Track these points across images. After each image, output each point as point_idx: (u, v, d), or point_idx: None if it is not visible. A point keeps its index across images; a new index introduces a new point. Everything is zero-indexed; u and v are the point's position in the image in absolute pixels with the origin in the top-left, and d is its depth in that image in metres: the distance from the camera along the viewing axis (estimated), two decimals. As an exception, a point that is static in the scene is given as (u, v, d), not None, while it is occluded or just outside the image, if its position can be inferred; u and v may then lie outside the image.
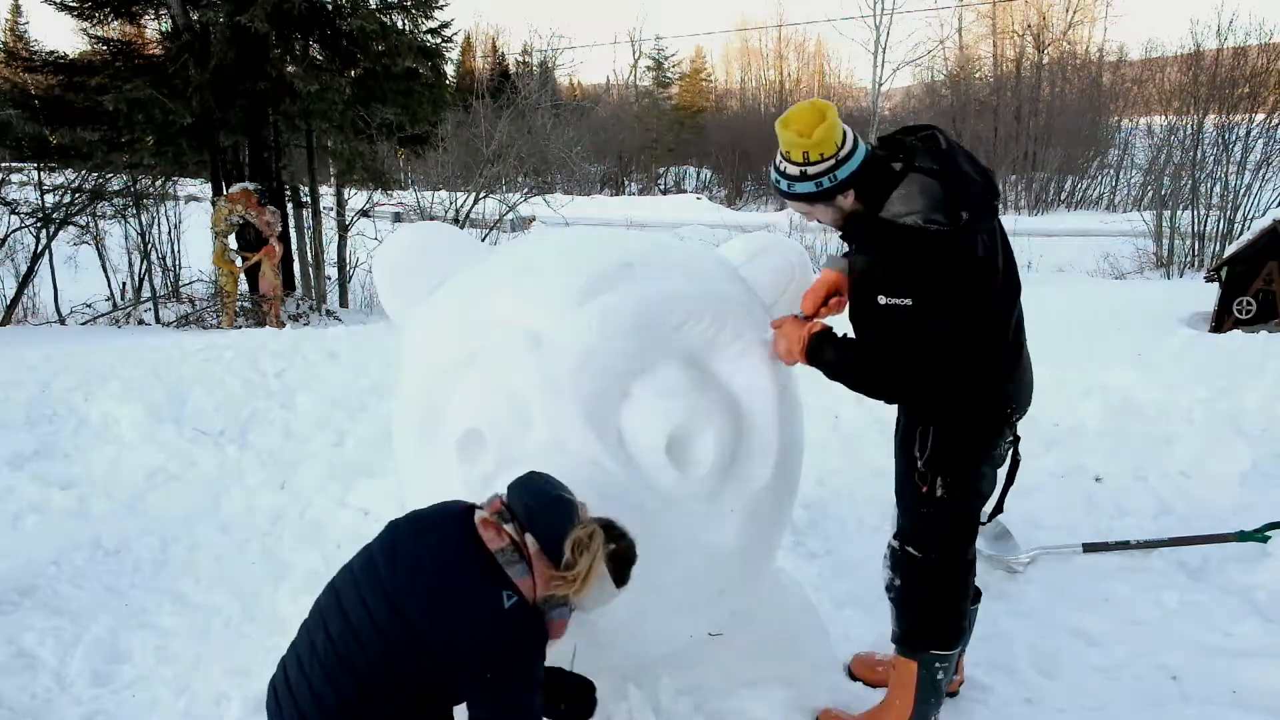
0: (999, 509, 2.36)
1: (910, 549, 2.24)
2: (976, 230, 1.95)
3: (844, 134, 1.98)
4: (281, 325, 11.01)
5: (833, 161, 1.97)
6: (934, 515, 2.19)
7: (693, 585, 2.27)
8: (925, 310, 1.92)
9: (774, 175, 2.07)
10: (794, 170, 2.00)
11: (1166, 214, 20.96)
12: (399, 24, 13.28)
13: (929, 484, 2.16)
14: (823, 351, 2.12)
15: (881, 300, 1.95)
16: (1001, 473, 2.31)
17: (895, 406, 2.29)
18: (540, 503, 1.79)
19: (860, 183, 2.00)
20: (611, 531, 1.82)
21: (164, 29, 12.90)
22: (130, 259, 14.61)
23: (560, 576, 1.74)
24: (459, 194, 17.63)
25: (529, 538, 1.75)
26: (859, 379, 2.11)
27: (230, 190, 12.08)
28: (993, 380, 2.09)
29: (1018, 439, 2.27)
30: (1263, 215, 14.42)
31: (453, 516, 1.82)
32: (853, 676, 2.62)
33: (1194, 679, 2.65)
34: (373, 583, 1.75)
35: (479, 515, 1.80)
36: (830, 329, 2.16)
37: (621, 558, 1.82)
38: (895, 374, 2.04)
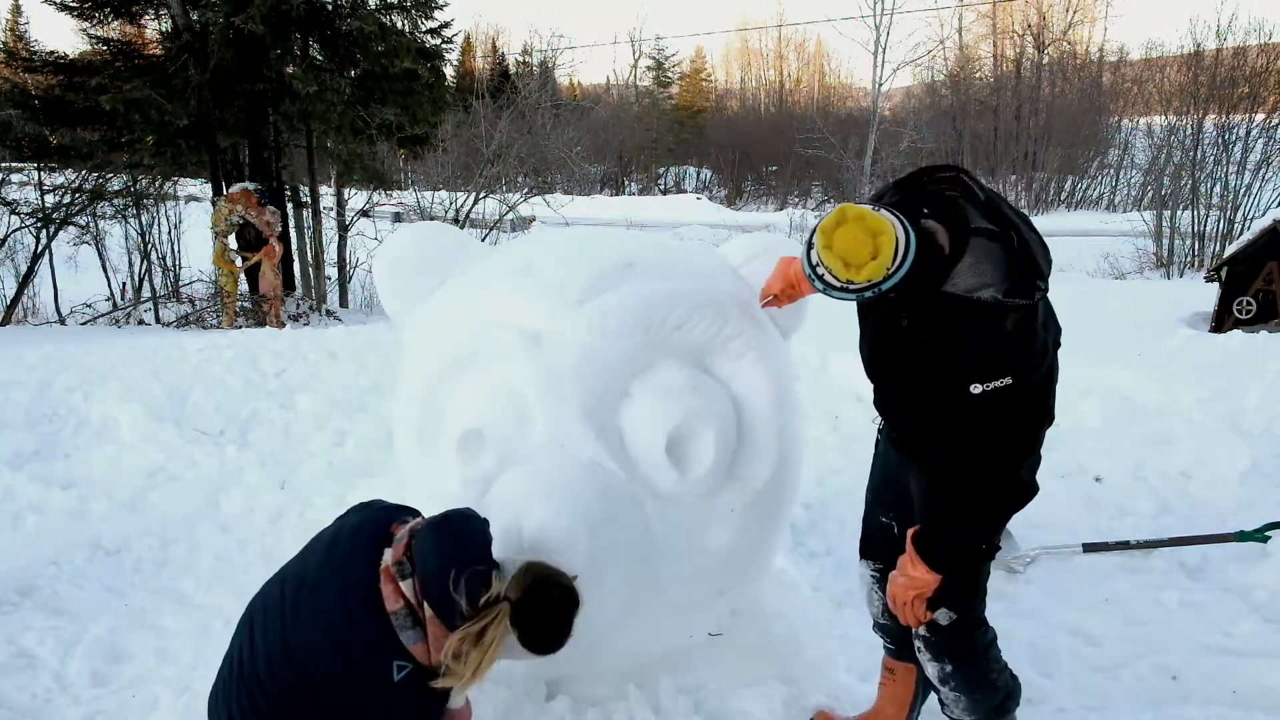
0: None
1: (941, 615, 2.00)
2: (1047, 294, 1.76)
3: (898, 246, 1.67)
4: (281, 325, 11.01)
5: (881, 278, 1.69)
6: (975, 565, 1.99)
7: (693, 585, 2.27)
8: (1026, 388, 1.73)
9: (808, 265, 1.76)
10: (833, 280, 1.72)
11: (1166, 214, 20.96)
12: (398, 24, 13.28)
13: None
14: (944, 547, 1.88)
15: (976, 390, 1.71)
16: None
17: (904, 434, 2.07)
18: (438, 567, 1.63)
19: (912, 269, 1.71)
20: (536, 593, 1.68)
21: (164, 29, 12.90)
22: (130, 259, 14.60)
23: (458, 645, 1.60)
24: (459, 194, 17.64)
25: (426, 606, 1.64)
26: (990, 508, 1.84)
27: (230, 190, 12.08)
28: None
29: None
30: (1263, 215, 14.42)
31: (364, 554, 1.71)
32: None
33: (1194, 679, 2.65)
34: (276, 625, 1.70)
35: (385, 560, 1.68)
36: (922, 532, 1.91)
37: (541, 619, 1.68)
38: (1015, 465, 1.79)
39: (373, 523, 1.80)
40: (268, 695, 1.65)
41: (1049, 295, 1.80)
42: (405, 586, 1.65)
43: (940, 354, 1.77)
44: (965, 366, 1.72)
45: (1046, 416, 1.83)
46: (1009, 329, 1.71)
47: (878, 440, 2.30)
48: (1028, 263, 1.73)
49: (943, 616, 2.00)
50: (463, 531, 1.72)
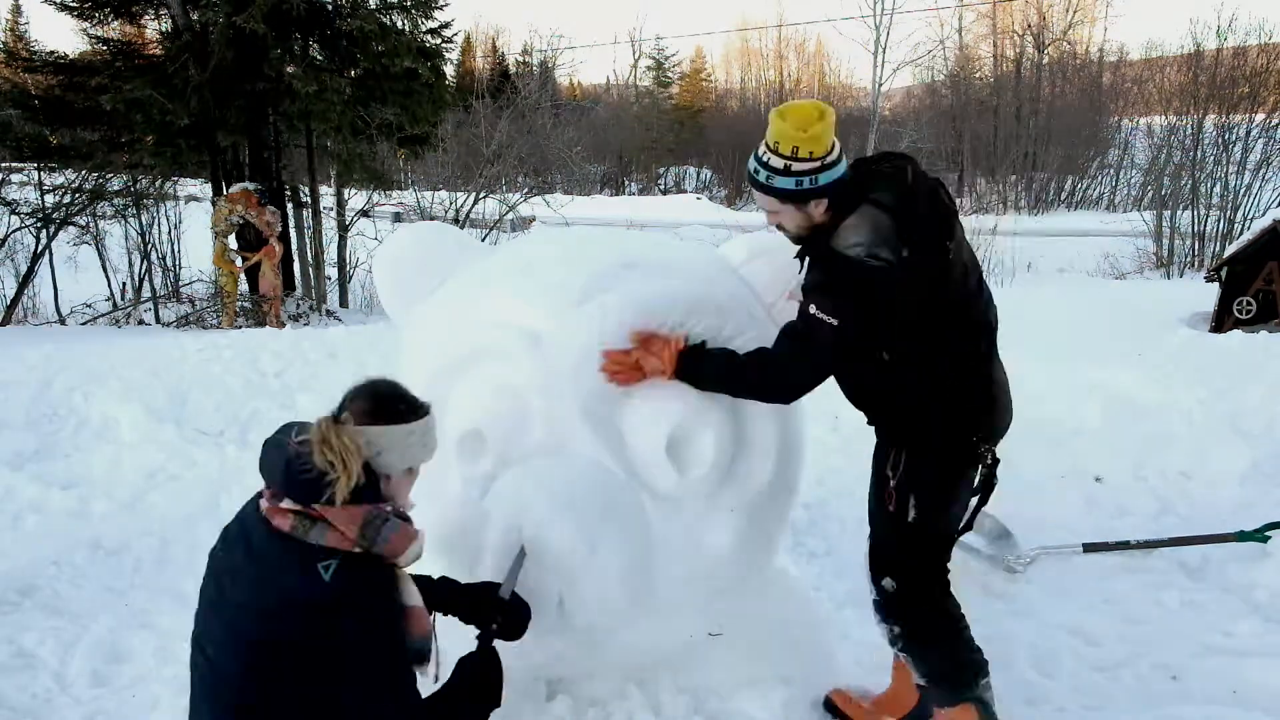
0: (968, 526, 2.29)
1: (886, 582, 2.20)
2: (920, 268, 1.92)
3: (834, 143, 1.96)
4: (281, 325, 11.00)
5: (819, 164, 1.94)
6: (909, 545, 2.17)
7: (693, 585, 2.27)
8: (844, 334, 1.93)
9: (753, 165, 2.02)
10: (778, 163, 1.95)
11: (1166, 214, 20.97)
12: (399, 24, 13.28)
13: (898, 504, 2.14)
14: (699, 364, 2.11)
15: (811, 310, 1.95)
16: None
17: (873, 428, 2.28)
18: (282, 469, 1.68)
19: (834, 196, 1.98)
20: (353, 400, 1.76)
21: (164, 29, 12.90)
22: (130, 259, 14.61)
23: (337, 490, 1.64)
24: (459, 194, 17.64)
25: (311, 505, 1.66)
26: (746, 379, 2.10)
27: (230, 190, 12.08)
28: (956, 410, 2.08)
29: (996, 462, 2.23)
30: (1263, 215, 14.41)
31: (246, 520, 1.74)
32: (831, 708, 2.49)
33: (1194, 679, 2.65)
34: (216, 620, 1.68)
35: (263, 508, 1.71)
36: (701, 344, 2.16)
37: (361, 410, 1.74)
38: (795, 373, 2.05)
39: (244, 508, 1.82)
40: (233, 688, 1.62)
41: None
42: (286, 504, 1.67)
43: (808, 286, 1.99)
44: (816, 293, 1.95)
45: (858, 370, 2.09)
46: (857, 283, 1.91)
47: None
48: (902, 231, 1.91)
49: (887, 583, 2.19)
50: (278, 434, 1.76)
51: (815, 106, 1.95)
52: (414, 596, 1.78)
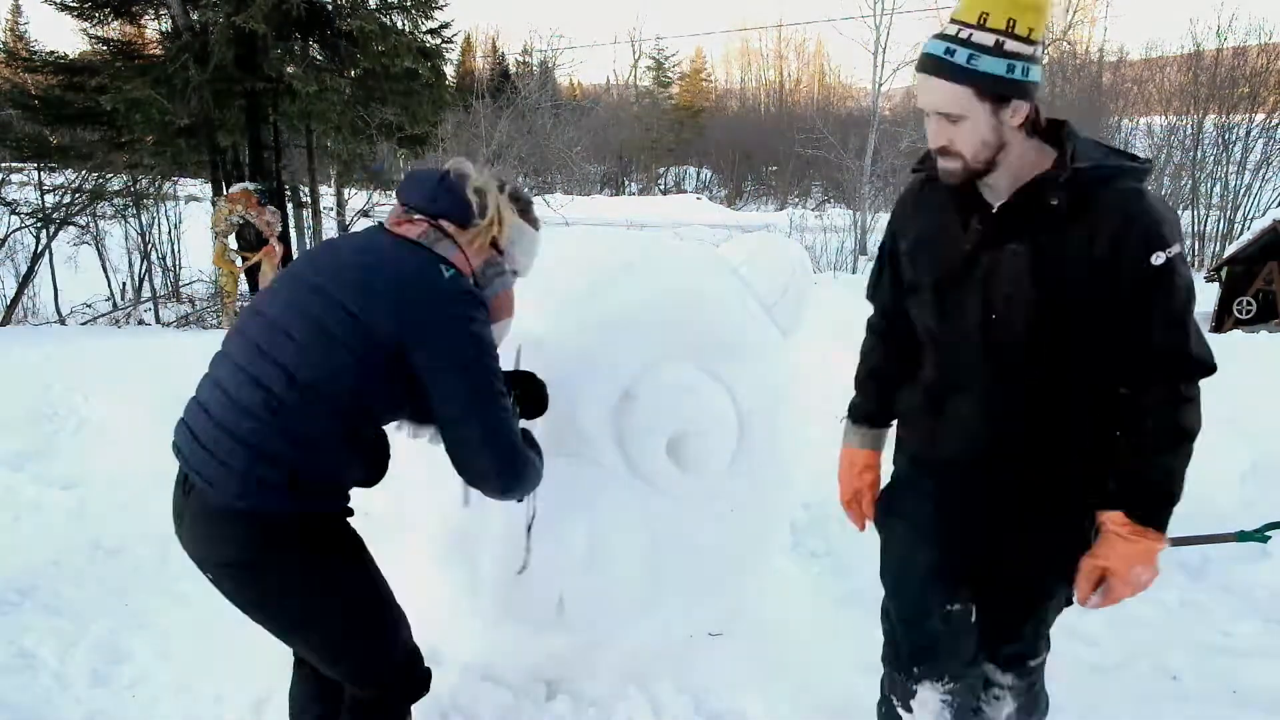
0: None
1: (1034, 661, 1.84)
2: None
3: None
4: (281, 325, 10.98)
5: (1035, 49, 1.46)
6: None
7: (692, 584, 2.27)
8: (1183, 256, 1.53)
9: (940, 46, 1.48)
10: (986, 39, 1.44)
11: (1166, 214, 20.96)
12: (399, 24, 13.27)
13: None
14: (1170, 486, 1.67)
15: (1159, 259, 1.46)
16: None
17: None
18: (431, 185, 1.76)
19: (1034, 111, 1.51)
20: (511, 193, 1.84)
21: (164, 29, 12.89)
22: (130, 259, 14.60)
23: (479, 229, 1.74)
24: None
25: (442, 221, 1.73)
26: (1192, 428, 1.61)
27: (230, 190, 12.07)
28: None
29: None
30: (1263, 215, 14.43)
31: (368, 234, 1.79)
32: None
33: (1194, 679, 2.65)
34: (318, 299, 1.65)
35: (388, 224, 1.78)
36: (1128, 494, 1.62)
37: (522, 199, 1.87)
38: (1201, 339, 1.56)
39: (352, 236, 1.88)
40: (335, 350, 1.59)
41: None
42: (419, 217, 1.74)
43: (1093, 251, 1.48)
44: (1138, 238, 1.46)
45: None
46: (1156, 195, 1.54)
47: (894, 510, 1.88)
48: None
49: (1036, 660, 1.81)
50: (425, 169, 1.83)
51: None
52: (501, 286, 1.83)
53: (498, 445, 1.66)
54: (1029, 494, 1.67)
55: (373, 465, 1.76)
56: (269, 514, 1.61)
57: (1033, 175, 1.54)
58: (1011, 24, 1.43)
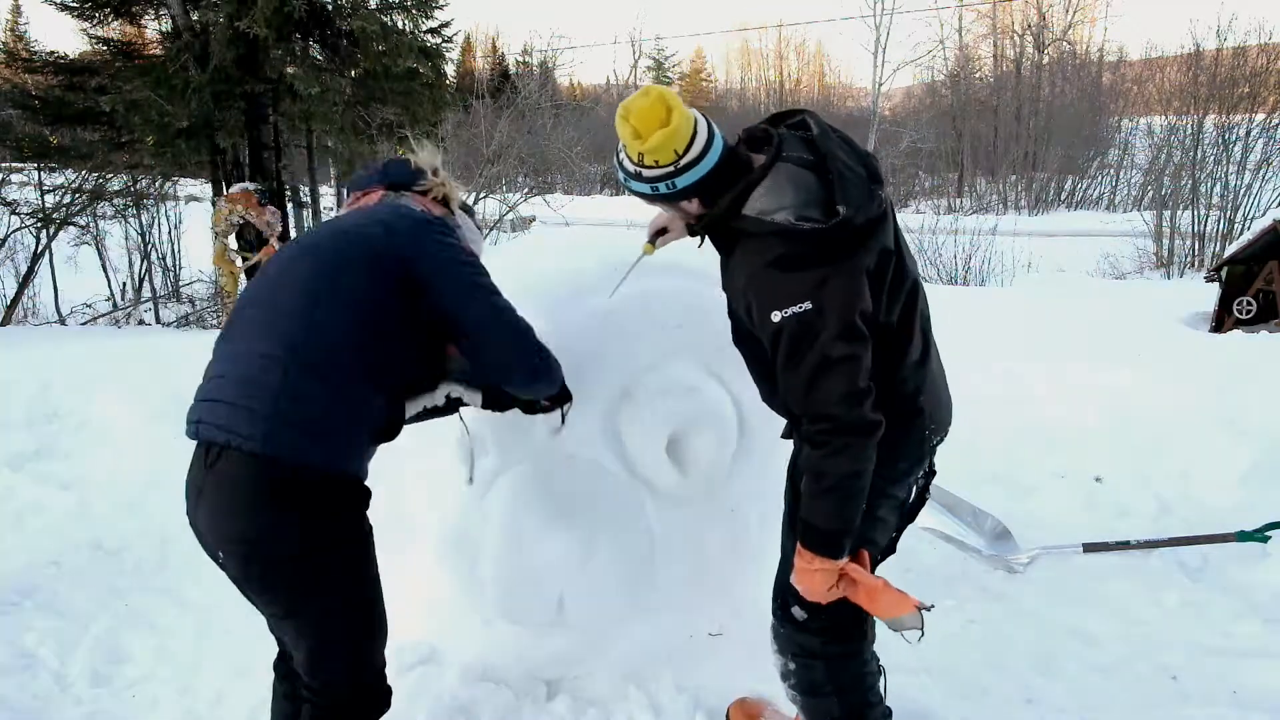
0: (891, 549, 1.99)
1: (794, 611, 1.89)
2: (857, 228, 1.64)
3: (693, 135, 1.68)
4: (281, 325, 10.98)
5: (670, 169, 1.69)
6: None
7: (693, 584, 2.27)
8: (831, 316, 1.61)
9: (615, 160, 1.82)
10: (630, 167, 1.74)
11: (1166, 214, 20.96)
12: (399, 24, 13.28)
13: None
14: (813, 513, 1.71)
15: (776, 317, 1.62)
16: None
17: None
18: (378, 167, 1.99)
19: (708, 188, 1.72)
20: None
21: (164, 29, 12.89)
22: (130, 259, 14.60)
23: (427, 185, 1.96)
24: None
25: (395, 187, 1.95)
26: (830, 469, 1.67)
27: (230, 190, 12.07)
28: (904, 398, 1.78)
29: (932, 474, 1.96)
30: (1263, 215, 14.41)
31: (331, 220, 1.95)
32: None
33: (1194, 679, 2.65)
34: (310, 260, 1.78)
35: (345, 208, 1.98)
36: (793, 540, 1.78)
37: (465, 204, 2.16)
38: (829, 399, 1.64)
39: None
40: (354, 294, 1.71)
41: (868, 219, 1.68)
42: (370, 191, 1.96)
43: (740, 287, 1.73)
44: (764, 294, 1.65)
45: (857, 342, 1.64)
46: (804, 252, 1.63)
47: None
48: (832, 186, 1.67)
49: (797, 611, 1.89)
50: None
51: (659, 104, 1.68)
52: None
53: (518, 331, 1.81)
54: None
55: (391, 413, 1.80)
56: (290, 467, 1.62)
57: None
58: (640, 158, 1.71)
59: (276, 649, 1.93)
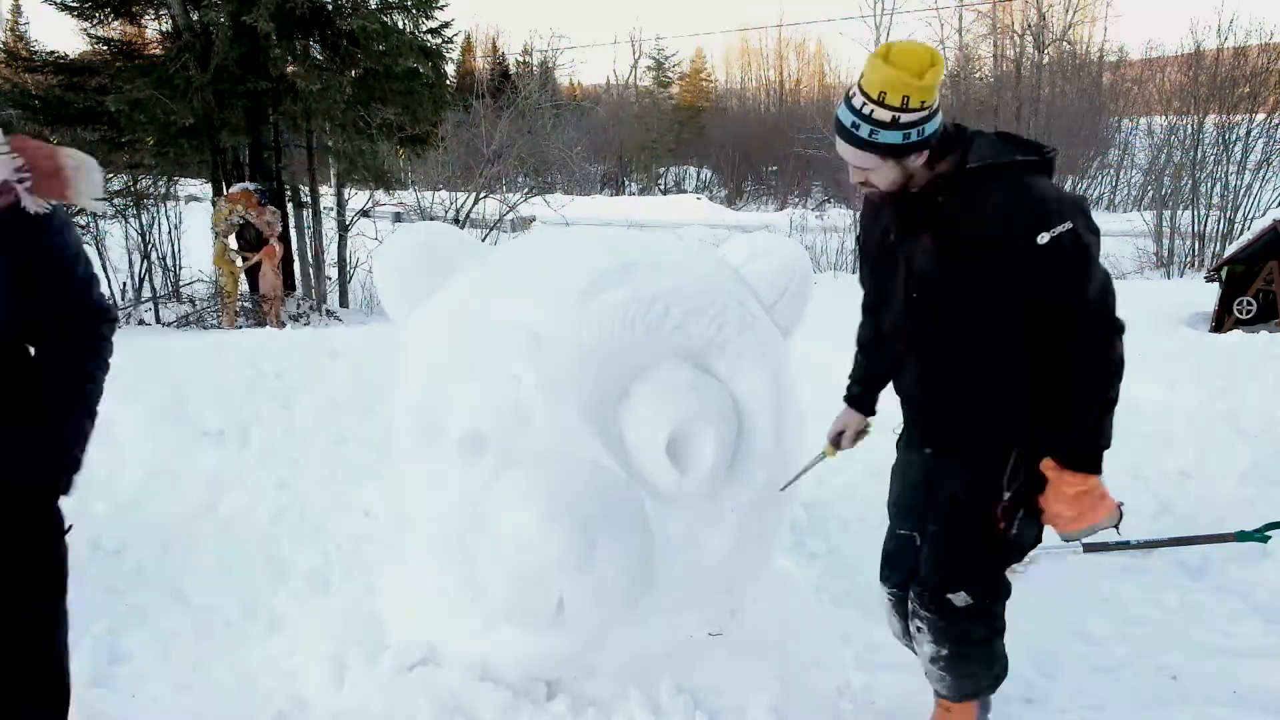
0: None
1: (959, 598, 1.95)
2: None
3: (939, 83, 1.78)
4: (281, 325, 11.00)
5: (927, 113, 1.75)
6: (997, 559, 1.96)
7: (693, 585, 2.27)
8: (1087, 232, 1.74)
9: (849, 118, 1.77)
10: (884, 115, 1.72)
11: (1166, 214, 20.97)
12: (399, 24, 13.28)
13: (1009, 520, 1.90)
14: (1091, 434, 1.90)
15: (1044, 238, 1.70)
16: None
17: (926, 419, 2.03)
18: None
19: (937, 146, 1.80)
20: None
21: (164, 29, 12.89)
22: (130, 259, 14.59)
23: None
24: (459, 194, 17.63)
25: None
26: (1110, 363, 1.87)
27: (230, 190, 12.08)
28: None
29: None
30: (1263, 215, 14.41)
31: None
32: None
33: (1194, 679, 2.65)
34: None
35: None
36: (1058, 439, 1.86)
37: None
38: (1113, 306, 1.82)
39: None
40: None
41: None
42: None
43: (982, 232, 1.76)
44: (1020, 221, 1.72)
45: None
46: (1047, 181, 1.79)
47: (898, 449, 2.23)
48: (1028, 142, 1.86)
49: (959, 599, 1.91)
50: None
51: (927, 51, 1.76)
52: None
53: None
54: (950, 444, 1.99)
55: None
56: None
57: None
58: (905, 100, 1.71)
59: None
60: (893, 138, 1.75)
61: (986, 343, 1.84)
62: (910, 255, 1.88)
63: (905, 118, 1.72)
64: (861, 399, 2.27)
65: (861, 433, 2.29)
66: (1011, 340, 1.82)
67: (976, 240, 1.77)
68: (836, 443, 2.27)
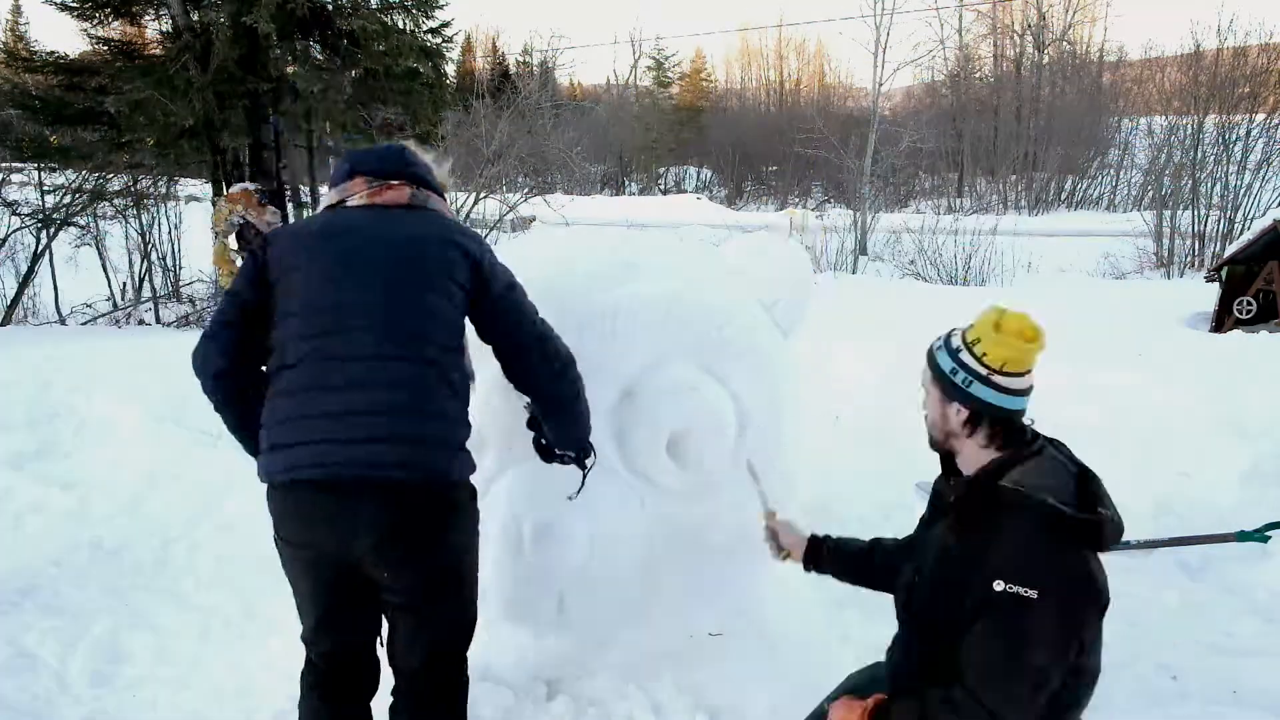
0: None
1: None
2: (1105, 539, 1.65)
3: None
4: (281, 325, 10.98)
5: (1029, 384, 1.68)
6: None
7: (693, 584, 2.27)
8: (1049, 612, 1.50)
9: (949, 365, 1.68)
10: (1020, 384, 1.66)
11: (1166, 214, 20.95)
12: (400, 24, 13.28)
13: None
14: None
15: (998, 586, 1.51)
16: None
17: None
18: (397, 156, 2.04)
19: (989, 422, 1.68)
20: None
21: (164, 29, 12.89)
22: (130, 259, 14.59)
23: (440, 197, 2.09)
24: (459, 194, 17.62)
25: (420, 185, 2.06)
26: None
27: (230, 190, 12.07)
28: None
29: None
30: (1263, 215, 14.40)
31: (359, 215, 1.99)
32: None
33: (1194, 678, 2.65)
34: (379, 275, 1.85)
35: (357, 199, 2.01)
36: (887, 701, 1.68)
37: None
38: (995, 692, 1.52)
39: None
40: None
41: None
42: (394, 184, 1.98)
43: (976, 549, 1.59)
44: (996, 560, 1.54)
45: (1060, 658, 1.53)
46: (1054, 540, 1.57)
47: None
48: (1096, 498, 1.69)
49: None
50: (371, 148, 2.13)
51: (1029, 324, 1.67)
52: None
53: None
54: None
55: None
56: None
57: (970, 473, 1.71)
58: (1012, 368, 1.64)
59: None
60: (995, 399, 1.68)
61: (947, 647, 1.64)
62: (927, 540, 1.79)
63: (1013, 384, 1.68)
64: (821, 549, 2.17)
65: (788, 556, 2.20)
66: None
67: (961, 561, 1.62)
68: (778, 545, 2.17)
